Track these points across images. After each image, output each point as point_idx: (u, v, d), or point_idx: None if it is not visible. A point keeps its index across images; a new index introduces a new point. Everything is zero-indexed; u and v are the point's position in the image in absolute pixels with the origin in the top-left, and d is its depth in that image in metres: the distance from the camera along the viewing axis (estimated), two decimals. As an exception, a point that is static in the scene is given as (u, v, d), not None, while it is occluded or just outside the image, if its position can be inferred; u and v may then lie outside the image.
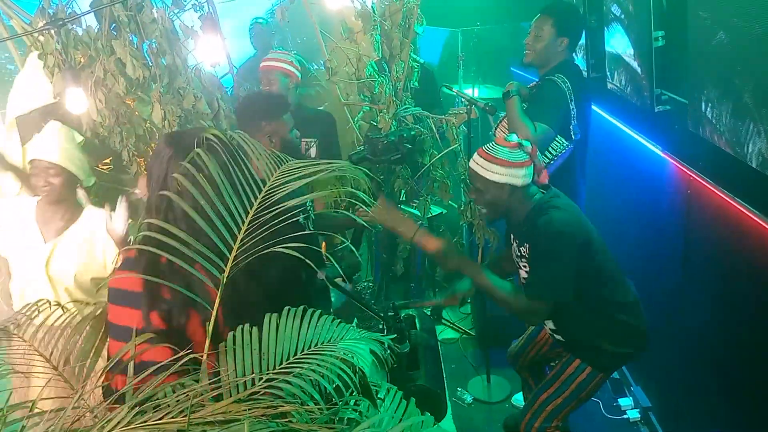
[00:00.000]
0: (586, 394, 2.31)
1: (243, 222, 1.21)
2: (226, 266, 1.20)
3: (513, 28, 3.00)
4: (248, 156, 1.29)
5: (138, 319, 1.30)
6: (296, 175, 1.24)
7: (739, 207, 2.04)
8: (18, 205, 2.46)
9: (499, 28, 5.02)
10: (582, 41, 3.50)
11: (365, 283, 3.95)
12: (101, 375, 1.27)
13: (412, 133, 3.11)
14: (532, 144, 2.17)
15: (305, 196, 1.26)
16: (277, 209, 1.21)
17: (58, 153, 2.33)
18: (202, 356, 1.20)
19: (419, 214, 3.43)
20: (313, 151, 3.19)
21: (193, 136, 1.31)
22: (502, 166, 2.11)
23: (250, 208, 1.21)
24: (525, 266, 2.27)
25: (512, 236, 2.36)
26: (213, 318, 1.19)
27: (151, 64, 2.87)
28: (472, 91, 5.16)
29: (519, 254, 2.29)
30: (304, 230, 1.22)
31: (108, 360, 1.30)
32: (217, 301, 1.20)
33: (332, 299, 2.79)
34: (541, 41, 2.87)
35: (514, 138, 2.16)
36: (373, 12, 3.24)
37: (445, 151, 3.41)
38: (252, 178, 1.26)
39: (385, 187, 3.10)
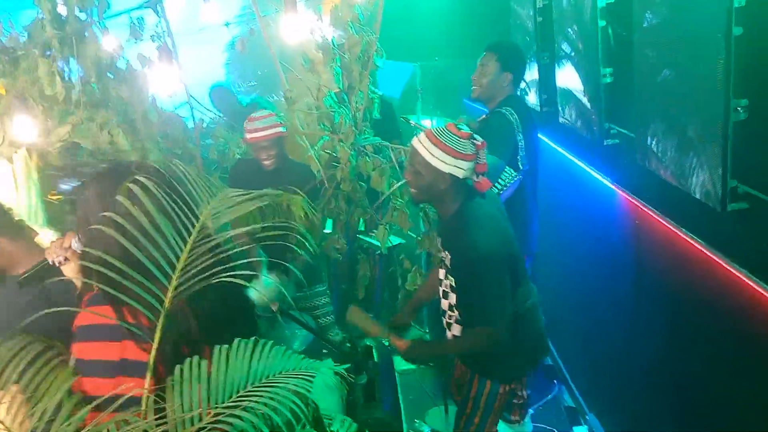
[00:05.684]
0: (498, 406, 2.30)
1: (181, 252, 1.18)
2: (165, 298, 1.17)
3: (468, 64, 3.12)
4: (185, 186, 1.25)
5: (115, 351, 1.25)
6: (231, 204, 1.22)
7: (684, 237, 2.11)
8: None
9: (455, 63, 5.18)
10: (535, 77, 3.61)
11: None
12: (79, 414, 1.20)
13: None
14: (481, 142, 2.09)
15: (243, 229, 1.25)
16: (214, 239, 1.19)
17: None
18: (152, 390, 1.16)
19: (379, 244, 3.43)
20: None
21: (120, 171, 1.29)
22: (450, 155, 2.00)
23: (189, 238, 1.19)
24: (446, 276, 2.23)
25: (438, 234, 2.34)
26: (154, 350, 1.15)
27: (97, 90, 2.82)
28: (431, 123, 5.25)
29: (442, 256, 2.25)
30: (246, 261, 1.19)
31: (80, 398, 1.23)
32: (158, 333, 1.17)
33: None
34: (487, 76, 2.96)
35: (466, 128, 2.06)
36: (333, 45, 3.28)
37: (404, 181, 3.44)
38: (189, 208, 1.23)
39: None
